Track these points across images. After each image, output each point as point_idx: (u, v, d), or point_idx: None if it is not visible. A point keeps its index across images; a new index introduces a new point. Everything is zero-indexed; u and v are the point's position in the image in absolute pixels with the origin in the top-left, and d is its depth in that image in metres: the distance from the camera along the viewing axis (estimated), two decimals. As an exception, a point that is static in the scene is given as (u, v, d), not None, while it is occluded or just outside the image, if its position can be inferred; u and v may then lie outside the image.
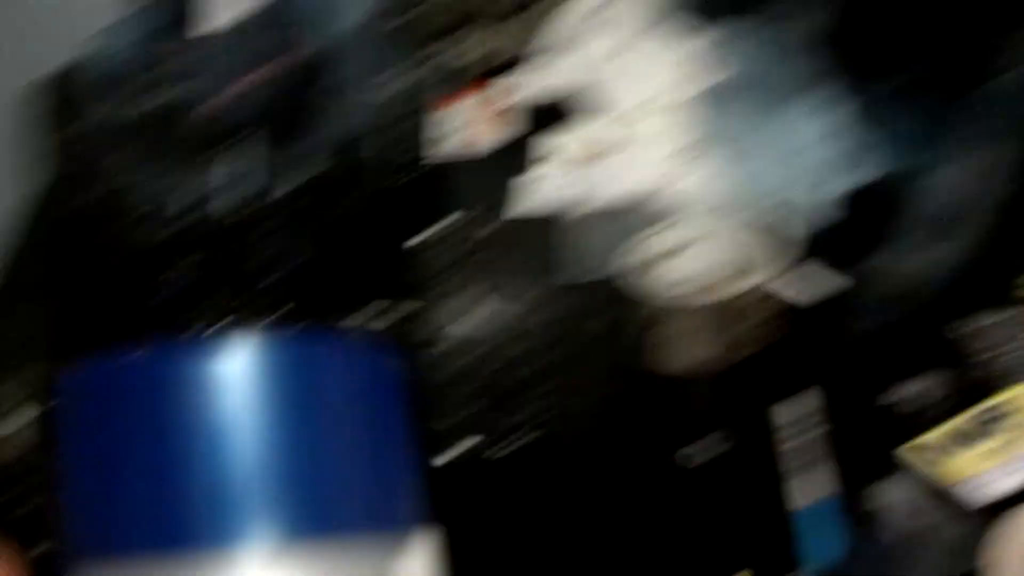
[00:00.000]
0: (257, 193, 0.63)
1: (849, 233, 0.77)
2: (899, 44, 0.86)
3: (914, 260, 0.68)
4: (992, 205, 0.66)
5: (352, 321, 0.62)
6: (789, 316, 0.68)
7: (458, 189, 0.92)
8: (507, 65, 1.06)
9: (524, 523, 0.59)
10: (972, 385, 0.62)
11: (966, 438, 0.58)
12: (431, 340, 0.57)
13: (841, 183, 0.84)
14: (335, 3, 0.70)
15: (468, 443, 0.60)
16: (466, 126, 1.00)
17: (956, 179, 0.67)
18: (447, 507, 0.58)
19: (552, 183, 0.91)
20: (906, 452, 0.58)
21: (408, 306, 0.59)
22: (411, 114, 0.87)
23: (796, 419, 0.63)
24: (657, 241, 0.73)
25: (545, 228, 0.79)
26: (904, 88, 0.86)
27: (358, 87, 0.70)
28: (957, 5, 0.74)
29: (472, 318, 0.57)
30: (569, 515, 0.60)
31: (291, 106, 0.65)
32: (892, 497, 0.56)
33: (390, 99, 0.87)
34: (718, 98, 0.91)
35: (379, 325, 0.62)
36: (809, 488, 0.58)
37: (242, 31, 0.64)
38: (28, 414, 0.56)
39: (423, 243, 0.62)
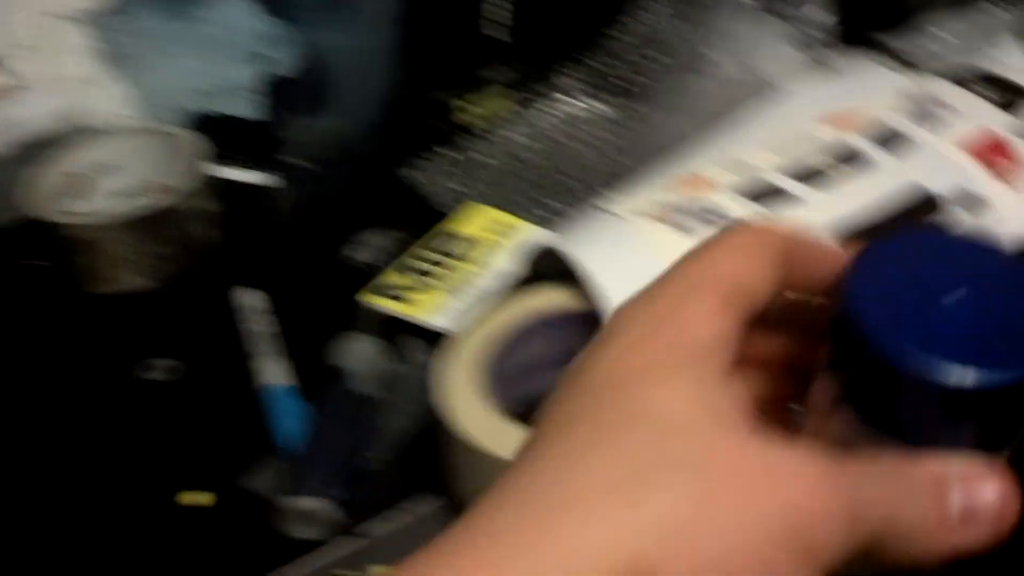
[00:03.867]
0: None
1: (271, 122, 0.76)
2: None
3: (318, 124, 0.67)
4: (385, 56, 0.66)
5: None
6: (221, 217, 0.66)
7: None
8: None
9: None
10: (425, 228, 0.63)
11: (423, 271, 0.58)
12: None
13: (260, 71, 0.82)
14: None
15: None
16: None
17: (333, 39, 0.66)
18: None
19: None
20: (366, 295, 0.57)
21: None
22: None
23: (254, 305, 0.60)
24: (74, 165, 0.66)
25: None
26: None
27: None
28: None
29: None
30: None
31: None
32: (355, 351, 0.55)
33: None
34: (112, 11, 0.85)
35: None
36: (274, 370, 0.56)
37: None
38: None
39: None
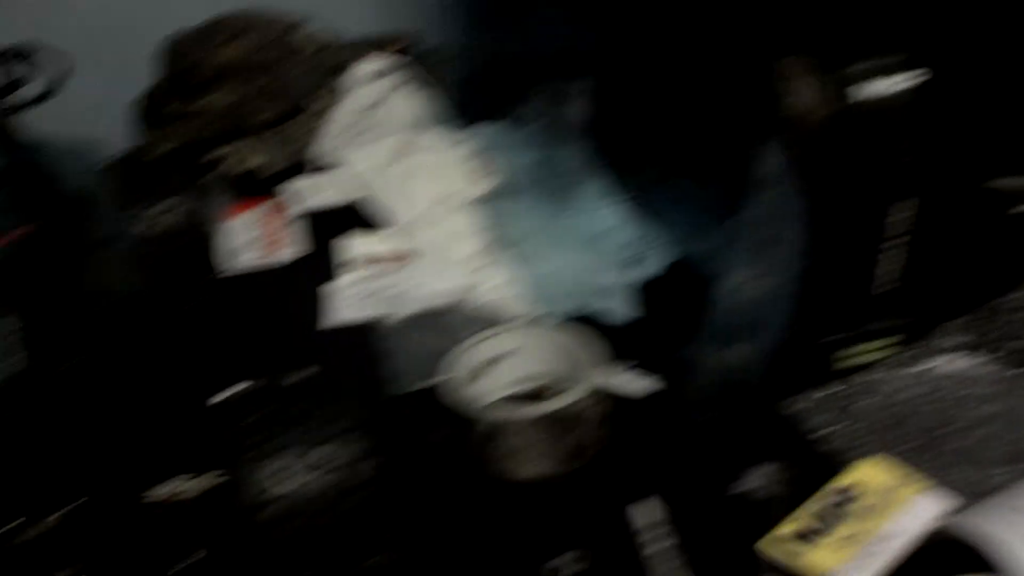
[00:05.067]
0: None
1: (651, 325, 0.81)
2: (661, 135, 0.91)
3: (725, 355, 0.70)
4: (788, 300, 0.69)
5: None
6: (620, 416, 0.70)
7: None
8: (286, 174, 1.04)
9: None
10: (811, 466, 0.65)
11: (820, 524, 0.60)
12: (257, 503, 0.54)
13: (635, 274, 0.88)
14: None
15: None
16: (257, 237, 0.97)
17: (750, 280, 0.70)
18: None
19: (354, 293, 0.89)
20: (765, 546, 0.59)
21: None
22: (198, 235, 0.83)
23: (652, 522, 0.63)
24: (477, 350, 0.72)
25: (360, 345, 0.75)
26: (671, 180, 0.91)
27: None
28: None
29: (297, 474, 0.55)
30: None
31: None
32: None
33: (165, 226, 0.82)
34: (500, 200, 0.93)
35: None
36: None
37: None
38: None
39: (227, 402, 0.58)
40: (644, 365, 0.75)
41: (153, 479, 0.58)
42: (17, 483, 0.57)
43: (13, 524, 0.56)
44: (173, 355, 0.65)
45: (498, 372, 0.73)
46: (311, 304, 0.87)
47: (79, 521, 0.56)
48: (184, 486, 0.57)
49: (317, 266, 0.92)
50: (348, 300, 0.88)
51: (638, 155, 0.93)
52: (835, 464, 0.64)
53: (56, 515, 0.57)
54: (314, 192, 1.00)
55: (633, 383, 0.73)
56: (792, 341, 0.70)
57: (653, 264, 0.87)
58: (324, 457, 0.55)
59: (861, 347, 0.72)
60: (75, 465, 0.58)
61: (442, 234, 0.92)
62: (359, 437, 0.56)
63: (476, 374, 0.71)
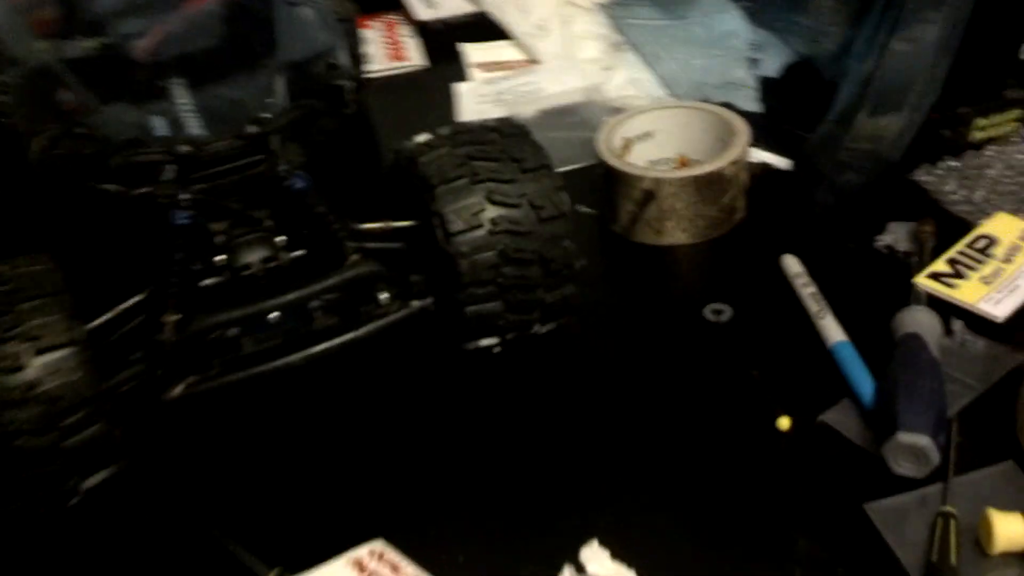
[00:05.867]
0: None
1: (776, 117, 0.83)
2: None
3: (874, 123, 0.73)
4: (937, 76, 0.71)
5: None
6: (763, 185, 0.74)
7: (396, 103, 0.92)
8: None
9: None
10: (945, 225, 0.69)
11: (968, 263, 0.64)
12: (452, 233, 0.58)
13: (756, 72, 0.90)
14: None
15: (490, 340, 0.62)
16: (380, 48, 1.00)
17: (903, 54, 0.72)
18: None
19: (481, 94, 0.92)
20: (921, 280, 0.63)
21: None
22: (352, 33, 0.86)
23: (798, 272, 0.66)
24: (622, 127, 0.75)
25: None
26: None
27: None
28: None
29: (478, 219, 0.58)
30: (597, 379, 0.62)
31: (239, 32, 0.63)
32: (922, 320, 0.60)
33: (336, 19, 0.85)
34: (619, 7, 0.95)
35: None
36: (834, 329, 0.62)
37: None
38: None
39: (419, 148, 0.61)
40: (775, 149, 0.78)
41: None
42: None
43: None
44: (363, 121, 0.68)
45: (645, 147, 0.76)
46: (442, 104, 0.90)
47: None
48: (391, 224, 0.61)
49: (441, 74, 0.95)
50: (475, 101, 0.91)
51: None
52: (967, 224, 0.68)
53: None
54: (431, 6, 1.02)
55: (773, 157, 0.77)
56: (932, 109, 0.72)
57: (772, 65, 0.89)
58: (514, 192, 0.58)
59: (995, 118, 0.75)
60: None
61: (563, 39, 0.94)
62: (546, 175, 0.59)
63: (625, 148, 0.75)
